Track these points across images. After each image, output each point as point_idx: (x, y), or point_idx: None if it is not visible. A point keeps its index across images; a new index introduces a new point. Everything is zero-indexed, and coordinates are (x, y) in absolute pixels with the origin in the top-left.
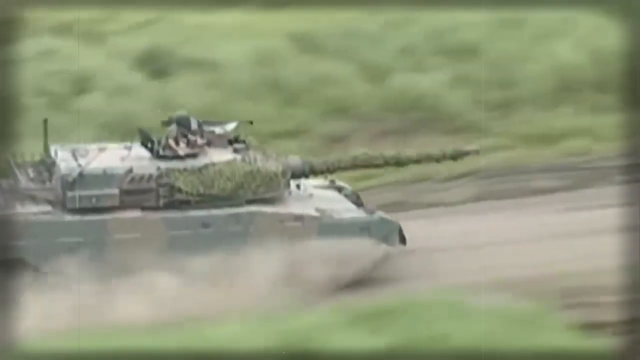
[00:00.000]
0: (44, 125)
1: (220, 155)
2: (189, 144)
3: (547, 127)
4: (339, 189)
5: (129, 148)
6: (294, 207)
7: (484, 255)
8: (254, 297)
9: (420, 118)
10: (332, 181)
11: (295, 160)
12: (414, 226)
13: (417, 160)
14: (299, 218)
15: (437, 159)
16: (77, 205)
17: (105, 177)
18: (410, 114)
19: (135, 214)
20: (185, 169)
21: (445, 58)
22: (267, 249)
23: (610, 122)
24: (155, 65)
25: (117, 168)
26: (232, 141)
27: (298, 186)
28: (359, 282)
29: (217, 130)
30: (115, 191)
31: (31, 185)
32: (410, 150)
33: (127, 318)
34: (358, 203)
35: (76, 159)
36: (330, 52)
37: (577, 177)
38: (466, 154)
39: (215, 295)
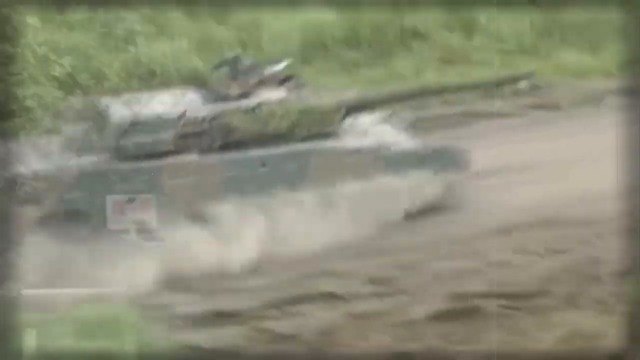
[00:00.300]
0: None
1: (273, 94)
2: (241, 84)
3: None
4: (397, 122)
5: (181, 93)
6: (351, 142)
7: None
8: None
9: None
10: (389, 114)
11: (350, 94)
12: None
13: (474, 87)
14: (357, 152)
15: (497, 84)
16: (132, 153)
17: (158, 122)
18: None
19: (191, 157)
20: (239, 109)
21: None
22: (326, 186)
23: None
24: None
25: (170, 112)
26: (284, 80)
27: (354, 121)
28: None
29: (269, 69)
30: (170, 136)
31: (85, 135)
32: (467, 77)
33: (207, 264)
34: (416, 134)
35: (128, 106)
36: None
37: None
38: (524, 77)
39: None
